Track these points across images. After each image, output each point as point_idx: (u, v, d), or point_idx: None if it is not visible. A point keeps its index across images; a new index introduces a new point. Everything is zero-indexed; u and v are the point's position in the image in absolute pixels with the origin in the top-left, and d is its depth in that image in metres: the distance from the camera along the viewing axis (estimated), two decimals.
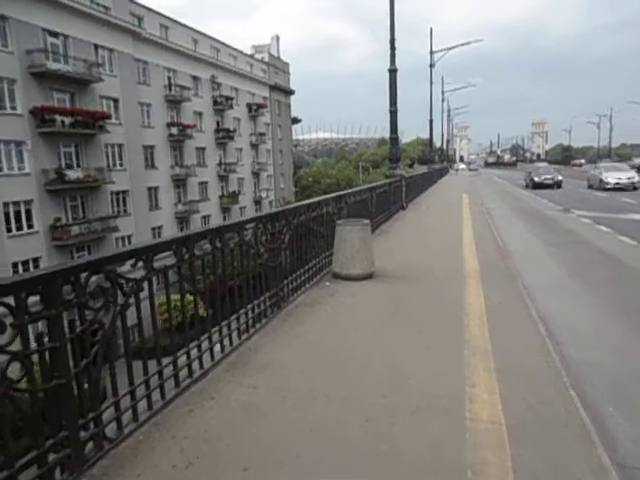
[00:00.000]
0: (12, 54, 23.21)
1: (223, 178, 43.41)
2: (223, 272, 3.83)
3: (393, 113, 14.69)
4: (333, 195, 7.19)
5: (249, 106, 48.23)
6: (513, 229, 12.78)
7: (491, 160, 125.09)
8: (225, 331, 3.87)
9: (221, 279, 3.81)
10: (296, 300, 5.41)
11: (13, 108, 23.38)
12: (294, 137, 70.65)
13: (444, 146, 62.85)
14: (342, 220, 6.68)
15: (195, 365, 3.44)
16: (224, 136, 42.54)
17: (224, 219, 43.52)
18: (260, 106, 49.64)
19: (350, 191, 8.24)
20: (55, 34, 25.55)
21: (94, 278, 2.50)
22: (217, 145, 42.46)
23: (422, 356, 3.82)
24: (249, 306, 4.31)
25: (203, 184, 40.26)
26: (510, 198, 24.93)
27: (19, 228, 23.86)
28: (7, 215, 23.12)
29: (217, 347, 3.74)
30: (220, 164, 42.74)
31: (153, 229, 33.99)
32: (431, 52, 32.39)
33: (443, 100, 48.47)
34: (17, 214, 23.70)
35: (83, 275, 2.41)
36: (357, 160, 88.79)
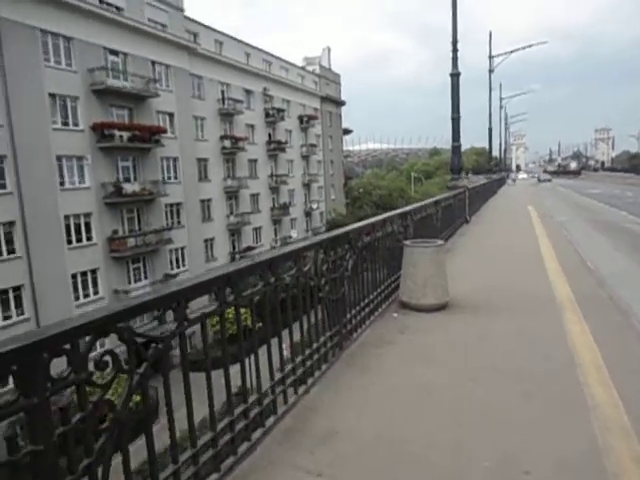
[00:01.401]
0: (76, 73, 24.06)
1: (274, 190, 43.43)
2: (277, 313, 3.07)
3: (455, 120, 13.65)
4: (398, 212, 6.33)
5: (300, 118, 48.22)
6: (597, 246, 11.33)
7: (551, 169, 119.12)
8: (279, 387, 3.10)
9: (275, 321, 3.06)
10: (360, 337, 4.57)
11: (75, 124, 24.17)
12: (344, 148, 70.14)
13: (501, 155, 60.19)
14: (410, 241, 5.80)
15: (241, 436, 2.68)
16: (275, 148, 42.62)
17: (275, 231, 43.48)
18: (311, 117, 49.54)
19: (415, 206, 7.34)
20: (115, 52, 26.36)
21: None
22: (268, 157, 42.58)
23: (537, 431, 2.87)
24: (307, 351, 3.52)
25: (254, 196, 40.38)
26: (581, 209, 22.98)
27: (79, 240, 24.52)
28: (68, 227, 23.81)
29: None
30: (271, 176, 42.80)
31: (205, 241, 34.29)
32: (490, 57, 30.89)
33: (501, 107, 46.35)
34: (77, 226, 24.38)
35: (85, 339, 1.71)
36: (409, 171, 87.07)
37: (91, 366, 1.72)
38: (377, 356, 4.16)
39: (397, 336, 4.64)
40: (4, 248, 21.32)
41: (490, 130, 32.75)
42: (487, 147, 37.99)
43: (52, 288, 22.78)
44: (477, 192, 17.59)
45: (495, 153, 58.13)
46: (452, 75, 13.52)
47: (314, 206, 49.69)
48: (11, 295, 21.70)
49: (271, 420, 2.97)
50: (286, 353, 3.24)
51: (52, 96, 22.81)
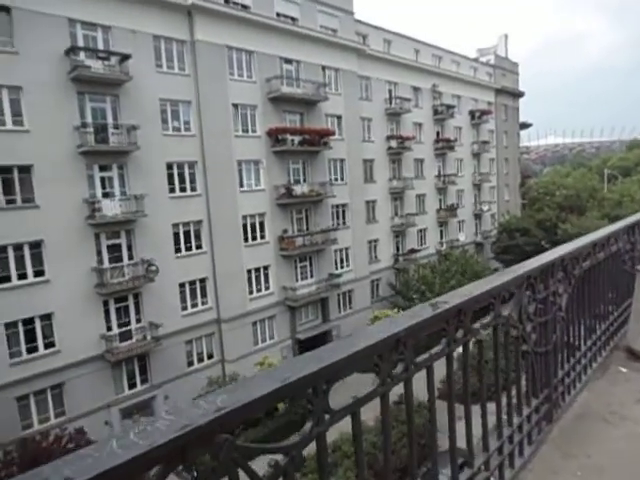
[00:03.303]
0: (255, 83, 25.92)
1: (441, 190, 41.42)
2: (466, 381, 2.07)
3: None
4: (625, 222, 4.66)
5: (471, 113, 45.13)
6: None
7: None
8: None
9: (463, 391, 2.06)
10: (574, 404, 3.25)
11: (253, 131, 26.06)
12: (521, 144, 63.80)
13: None
14: None
15: None
16: (444, 146, 40.54)
17: (440, 233, 41.45)
18: (484, 112, 46.00)
19: None
20: (289, 61, 27.71)
21: None
22: (436, 156, 40.74)
23: None
24: (505, 432, 2.43)
25: (420, 197, 39.02)
26: None
27: (254, 238, 26.42)
28: (244, 226, 25.81)
29: None
30: (439, 176, 40.88)
31: (369, 242, 34.23)
32: None
33: None
34: (252, 226, 26.28)
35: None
36: (600, 167, 75.44)
37: None
38: (608, 441, 2.82)
39: (633, 407, 3.19)
40: (193, 244, 23.98)
41: None
42: None
43: (230, 282, 24.92)
44: None
45: None
46: None
47: (485, 208, 46.09)
48: (198, 285, 24.31)
49: None
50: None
51: (235, 106, 24.90)
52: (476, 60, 48.61)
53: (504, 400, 2.43)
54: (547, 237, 40.66)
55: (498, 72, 49.99)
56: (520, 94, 54.52)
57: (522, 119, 57.12)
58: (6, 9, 18.12)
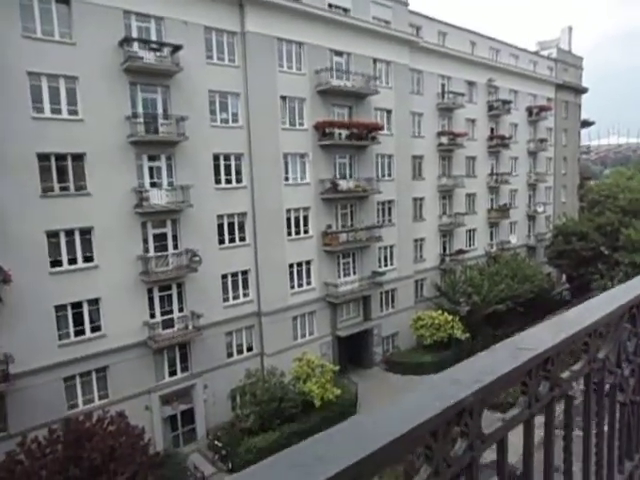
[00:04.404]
0: (304, 75, 25.54)
1: (493, 189, 39.67)
2: (549, 453, 1.51)
3: None
4: None
5: (529, 109, 42.90)
6: None
7: None
8: None
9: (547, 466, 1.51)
10: None
11: (301, 124, 25.71)
12: (582, 143, 60.12)
13: None
14: None
15: None
16: (498, 144, 38.72)
17: (491, 234, 39.78)
18: (542, 109, 43.61)
19: None
20: (340, 53, 27.12)
21: None
22: (489, 154, 39.00)
23: None
24: None
25: (470, 196, 37.54)
26: None
27: (297, 232, 26.14)
28: (288, 220, 25.56)
29: None
30: (491, 174, 39.14)
31: (415, 241, 33.28)
32: None
33: None
34: (296, 220, 25.99)
35: None
36: None
37: None
38: None
39: None
40: (237, 235, 23.98)
41: None
42: None
43: (272, 275, 24.79)
44: None
45: None
46: None
47: (539, 209, 43.83)
48: (240, 278, 24.33)
49: None
50: None
51: (283, 98, 24.63)
52: (536, 53, 46.15)
53: (592, 469, 1.84)
54: (607, 242, 38.07)
55: (560, 66, 47.27)
56: (583, 90, 51.37)
57: (584, 116, 53.85)
58: (66, 1, 18.57)
